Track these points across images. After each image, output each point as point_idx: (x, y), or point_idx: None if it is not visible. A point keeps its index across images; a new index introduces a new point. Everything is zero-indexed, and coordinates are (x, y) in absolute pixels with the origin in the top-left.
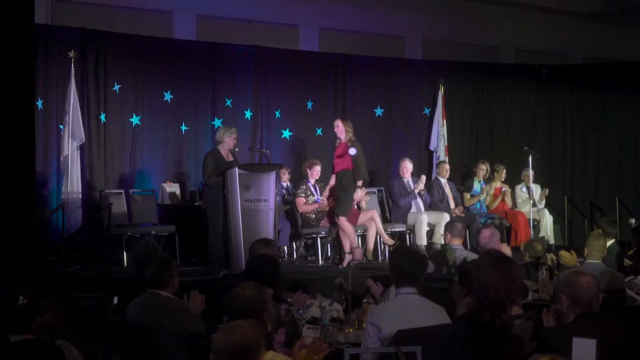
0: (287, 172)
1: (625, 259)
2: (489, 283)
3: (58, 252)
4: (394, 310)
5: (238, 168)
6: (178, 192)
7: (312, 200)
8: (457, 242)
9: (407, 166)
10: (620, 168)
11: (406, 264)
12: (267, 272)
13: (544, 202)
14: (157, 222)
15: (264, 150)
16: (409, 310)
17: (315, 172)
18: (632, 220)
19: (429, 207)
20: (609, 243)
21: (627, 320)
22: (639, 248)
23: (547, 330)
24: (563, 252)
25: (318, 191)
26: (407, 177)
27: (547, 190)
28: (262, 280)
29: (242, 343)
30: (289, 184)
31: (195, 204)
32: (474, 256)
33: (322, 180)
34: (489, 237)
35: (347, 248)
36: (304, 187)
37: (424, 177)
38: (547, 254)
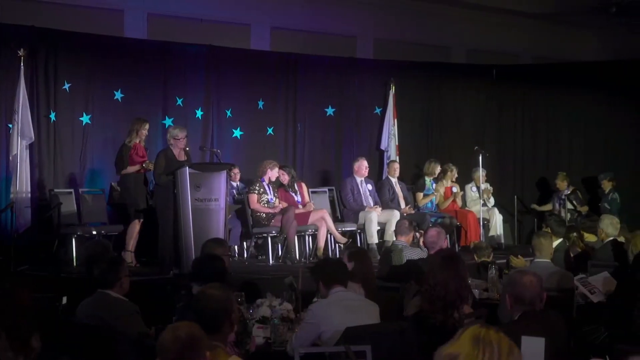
0: (238, 172)
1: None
2: (440, 283)
3: (7, 252)
4: (330, 304)
5: (189, 167)
6: None
7: (266, 199)
8: (403, 240)
9: (365, 165)
10: (569, 167)
11: (327, 268)
12: (213, 272)
13: (492, 200)
14: (107, 221)
15: (215, 150)
16: (345, 303)
17: (275, 174)
18: None
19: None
20: (557, 242)
21: (578, 318)
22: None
23: None
24: (512, 257)
25: (271, 191)
26: (362, 177)
27: (492, 188)
28: (209, 279)
29: (188, 338)
30: (239, 183)
31: (149, 203)
32: (421, 254)
33: (277, 183)
34: (436, 236)
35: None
36: (258, 185)
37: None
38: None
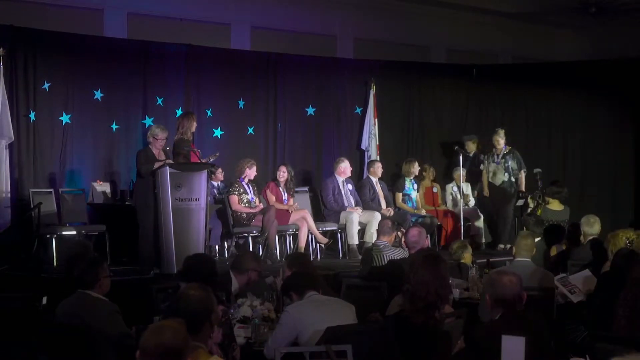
0: (221, 172)
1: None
2: (421, 283)
3: None
4: (305, 305)
5: (169, 167)
6: (108, 191)
7: (246, 199)
8: (385, 240)
9: (347, 166)
10: (549, 166)
11: (294, 280)
12: (207, 272)
13: (472, 200)
14: (87, 221)
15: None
16: (320, 304)
17: (254, 172)
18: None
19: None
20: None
21: (558, 317)
22: (569, 246)
23: (474, 328)
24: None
25: (252, 191)
26: (343, 177)
27: (470, 188)
28: (201, 279)
29: (172, 343)
30: (220, 183)
31: (126, 203)
32: (403, 254)
33: (256, 181)
34: (417, 235)
35: None
36: (237, 185)
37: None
38: None
